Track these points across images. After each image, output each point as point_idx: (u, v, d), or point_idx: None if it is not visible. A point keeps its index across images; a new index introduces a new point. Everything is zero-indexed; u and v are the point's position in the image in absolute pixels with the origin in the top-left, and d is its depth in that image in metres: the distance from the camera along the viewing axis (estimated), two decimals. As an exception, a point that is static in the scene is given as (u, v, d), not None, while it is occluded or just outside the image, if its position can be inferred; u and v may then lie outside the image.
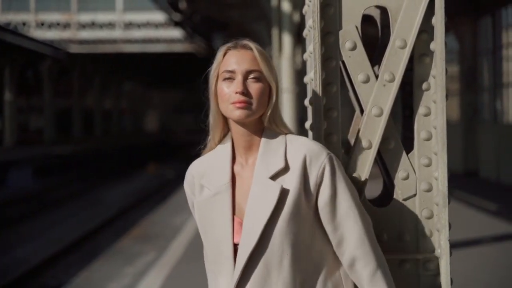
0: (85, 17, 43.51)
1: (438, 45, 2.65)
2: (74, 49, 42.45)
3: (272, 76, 2.34)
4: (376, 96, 2.66)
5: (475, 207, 13.40)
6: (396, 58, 2.67)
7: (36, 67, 42.55)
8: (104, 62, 49.32)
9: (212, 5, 23.54)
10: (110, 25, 43.72)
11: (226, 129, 2.43)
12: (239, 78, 2.30)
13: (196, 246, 10.47)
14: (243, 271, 2.27)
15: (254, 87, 2.30)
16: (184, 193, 2.51)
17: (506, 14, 17.96)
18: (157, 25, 43.11)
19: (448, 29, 18.42)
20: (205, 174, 2.41)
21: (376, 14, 2.99)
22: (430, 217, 2.70)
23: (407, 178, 2.69)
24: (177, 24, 32.31)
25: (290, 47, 13.39)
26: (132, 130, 66.37)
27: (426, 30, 2.70)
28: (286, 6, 13.63)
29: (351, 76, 2.68)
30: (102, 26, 43.67)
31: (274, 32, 14.94)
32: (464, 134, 19.58)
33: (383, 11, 2.87)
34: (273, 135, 2.37)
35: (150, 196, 23.30)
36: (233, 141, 2.41)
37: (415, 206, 2.70)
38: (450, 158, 2.63)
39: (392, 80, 2.66)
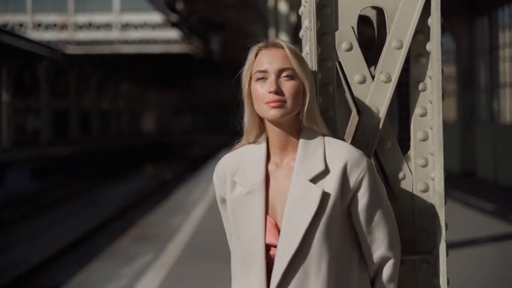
0: (82, 18, 43.49)
1: (434, 45, 2.65)
2: (71, 50, 42.43)
3: (305, 73, 2.32)
4: (373, 96, 2.66)
5: (472, 207, 13.41)
6: (392, 59, 2.67)
7: (33, 68, 42.50)
8: (101, 63, 49.29)
9: (209, 6, 23.57)
10: (107, 26, 43.70)
11: (261, 129, 2.41)
12: (271, 77, 2.29)
13: (194, 247, 10.47)
14: (283, 275, 2.25)
15: (287, 85, 2.29)
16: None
17: (502, 14, 17.98)
18: (154, 26, 43.10)
19: (444, 29, 18.44)
20: (238, 171, 2.39)
21: (372, 14, 2.99)
22: (426, 217, 2.70)
23: (403, 178, 2.70)
24: (174, 25, 32.35)
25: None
26: (129, 131, 66.31)
27: (422, 30, 2.70)
28: (283, 7, 13.65)
29: (347, 77, 2.68)
30: (99, 27, 43.66)
31: (271, 32, 14.95)
32: (461, 134, 19.59)
33: (379, 11, 2.87)
34: (311, 135, 2.35)
35: (148, 196, 23.29)
36: (267, 141, 2.40)
37: (411, 206, 2.70)
38: (447, 159, 2.63)
39: (388, 81, 2.67)
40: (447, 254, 2.65)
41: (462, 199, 14.37)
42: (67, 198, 23.35)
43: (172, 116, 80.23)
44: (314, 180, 2.29)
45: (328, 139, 2.36)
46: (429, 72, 2.70)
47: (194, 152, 50.99)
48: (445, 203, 2.65)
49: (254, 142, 2.42)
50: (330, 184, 2.28)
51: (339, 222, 2.30)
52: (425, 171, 2.71)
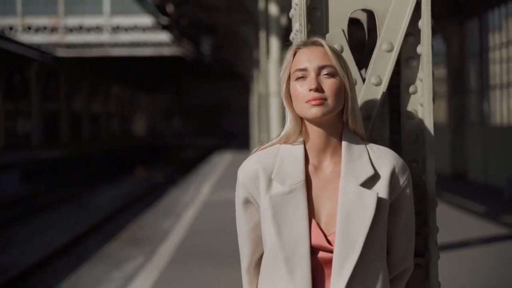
0: (73, 21, 43.42)
1: (424, 48, 2.65)
2: (61, 53, 42.35)
3: (345, 71, 2.27)
4: (363, 99, 2.66)
5: (463, 209, 13.43)
6: (383, 61, 2.67)
7: (24, 71, 42.43)
8: (92, 65, 49.25)
9: (200, 9, 23.56)
10: (98, 29, 43.64)
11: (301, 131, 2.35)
12: (312, 75, 2.24)
13: (185, 250, 10.45)
14: (349, 279, 2.21)
15: (328, 83, 2.24)
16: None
17: (492, 17, 18.03)
18: (144, 29, 43.07)
19: (435, 31, 18.49)
20: (274, 169, 2.31)
21: (363, 17, 2.99)
22: (418, 220, 2.69)
23: (394, 181, 2.69)
24: (164, 27, 32.34)
25: (277, 51, 13.40)
26: (120, 134, 66.27)
27: (412, 33, 2.70)
28: (273, 10, 13.64)
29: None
30: (89, 30, 43.59)
31: (262, 35, 14.94)
32: (452, 136, 19.63)
33: (370, 14, 2.87)
34: (352, 139, 2.31)
35: (139, 200, 23.26)
36: (304, 142, 2.33)
37: (403, 209, 2.70)
38: (438, 161, 2.63)
39: (379, 84, 2.66)
40: (439, 257, 2.65)
41: (453, 201, 14.39)
42: (57, 201, 23.30)
43: (163, 119, 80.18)
44: (364, 184, 2.26)
45: (370, 144, 2.34)
46: (419, 75, 2.70)
47: (185, 155, 51.00)
48: (436, 205, 2.65)
49: (288, 143, 2.35)
50: (381, 189, 2.26)
51: (385, 227, 2.30)
52: (416, 174, 2.71)
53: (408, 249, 2.39)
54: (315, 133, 2.29)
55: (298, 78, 2.27)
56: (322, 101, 2.21)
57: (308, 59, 2.26)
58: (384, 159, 2.30)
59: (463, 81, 19.98)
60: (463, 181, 18.81)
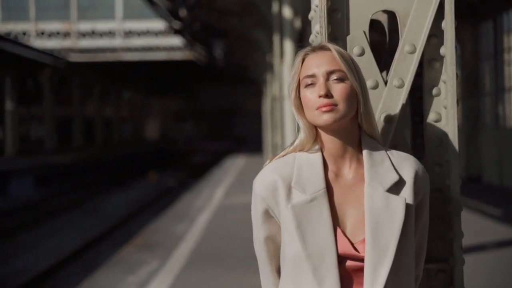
0: (85, 26, 43.53)
1: (448, 49, 2.60)
2: (74, 58, 42.47)
3: (356, 75, 2.22)
4: (385, 102, 2.61)
5: (478, 212, 13.34)
6: (405, 63, 2.62)
7: (37, 76, 42.58)
8: (105, 70, 49.35)
9: (212, 13, 23.55)
10: (110, 34, 43.74)
11: (315, 137, 2.29)
12: (320, 81, 2.19)
13: (199, 255, 10.42)
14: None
15: (337, 88, 2.18)
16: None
17: (507, 19, 17.95)
18: (157, 33, 43.14)
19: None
20: (293, 178, 2.24)
21: (383, 19, 2.94)
22: (442, 225, 2.65)
23: (418, 185, 2.64)
24: (177, 32, 32.35)
25: (291, 53, 13.35)
26: (132, 138, 66.40)
27: (435, 34, 2.65)
28: (287, 13, 13.61)
29: (359, 82, 2.62)
30: (102, 34, 43.69)
31: (275, 38, 14.92)
32: (466, 139, 19.54)
33: (391, 15, 2.82)
34: (372, 144, 2.26)
35: (151, 204, 23.25)
36: (321, 149, 2.28)
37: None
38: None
39: (401, 86, 2.61)
40: (464, 262, 2.60)
41: (468, 204, 14.30)
42: (70, 206, 23.32)
43: (175, 123, 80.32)
44: (390, 190, 2.21)
45: (389, 150, 2.31)
46: (443, 77, 2.65)
47: (197, 159, 51.00)
48: (461, 210, 2.60)
49: (303, 151, 2.30)
50: (407, 194, 2.22)
51: (413, 232, 2.26)
52: (440, 178, 2.66)
53: (420, 256, 2.36)
54: (329, 140, 2.24)
55: (307, 85, 2.22)
56: (333, 107, 2.17)
57: (316, 64, 2.22)
58: (407, 164, 2.26)
59: (477, 83, 19.90)
60: (478, 184, 18.72)
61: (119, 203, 24.36)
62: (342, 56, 2.22)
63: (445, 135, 2.65)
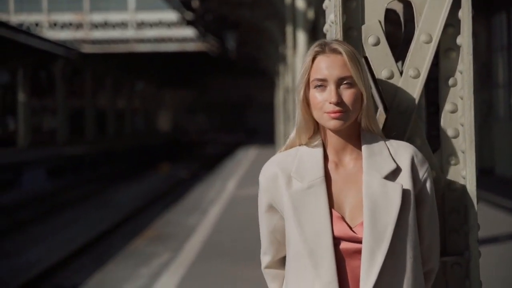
0: (98, 17, 43.59)
1: (465, 39, 2.57)
2: (86, 49, 42.53)
3: (363, 79, 2.25)
4: (401, 92, 2.57)
5: (491, 205, 13.27)
6: (421, 53, 2.59)
7: (49, 67, 42.64)
8: (117, 61, 49.37)
9: (224, 4, 23.53)
10: (123, 25, 43.79)
11: (315, 131, 2.35)
12: (331, 87, 2.23)
13: (211, 246, 10.41)
14: (381, 269, 2.19)
15: (347, 94, 2.22)
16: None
17: (521, 10, 17.83)
18: (169, 24, 43.14)
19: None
20: (293, 169, 2.31)
21: (399, 8, 2.90)
22: (457, 217, 2.61)
23: (433, 177, 2.60)
24: (189, 23, 32.34)
25: (304, 45, 13.29)
26: (144, 130, 66.45)
27: (452, 24, 2.61)
28: (300, 4, 13.55)
29: (374, 72, 2.58)
30: (114, 26, 43.74)
31: (288, 30, 14.87)
32: (479, 131, 19.41)
33: (407, 4, 2.78)
34: (371, 137, 2.31)
35: (164, 196, 23.28)
36: (323, 142, 2.34)
37: (442, 206, 2.61)
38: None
39: (417, 76, 2.58)
40: (480, 255, 2.56)
41: (480, 196, 14.19)
42: (82, 198, 23.38)
43: (187, 115, 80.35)
44: (387, 178, 2.25)
45: (389, 141, 2.34)
46: (459, 67, 2.62)
47: (209, 151, 51.03)
48: (477, 202, 2.57)
49: (306, 144, 2.35)
50: (404, 181, 2.26)
51: (414, 217, 2.27)
52: (456, 170, 2.62)
53: (432, 248, 2.37)
54: (333, 136, 2.31)
55: (317, 86, 2.25)
56: (342, 113, 2.22)
57: (328, 68, 2.24)
58: (403, 152, 2.31)
59: (490, 75, 19.78)
60: (491, 176, 18.63)
61: (131, 195, 24.40)
62: (352, 60, 2.24)
63: (461, 126, 2.62)
